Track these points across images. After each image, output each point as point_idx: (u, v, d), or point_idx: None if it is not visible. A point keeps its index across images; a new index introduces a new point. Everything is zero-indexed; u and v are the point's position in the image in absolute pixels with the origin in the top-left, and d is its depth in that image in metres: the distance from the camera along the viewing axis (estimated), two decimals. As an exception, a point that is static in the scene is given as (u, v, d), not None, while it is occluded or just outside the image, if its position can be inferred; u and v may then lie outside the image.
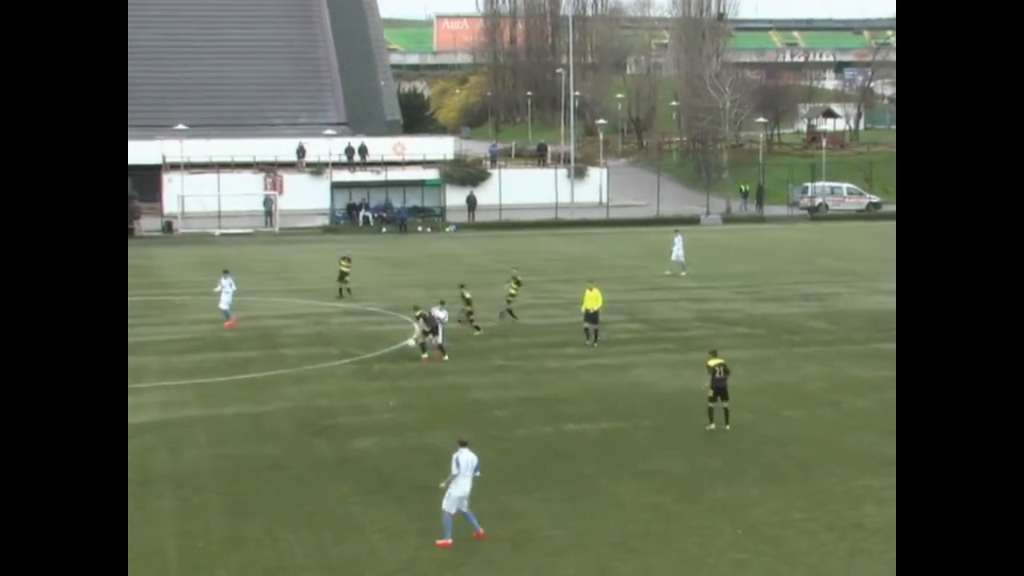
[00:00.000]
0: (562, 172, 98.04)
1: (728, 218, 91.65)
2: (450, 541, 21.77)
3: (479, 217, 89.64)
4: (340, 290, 52.49)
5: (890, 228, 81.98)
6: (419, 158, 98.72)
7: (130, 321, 34.43)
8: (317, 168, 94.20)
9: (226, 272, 46.18)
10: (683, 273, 58.36)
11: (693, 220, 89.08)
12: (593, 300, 41.35)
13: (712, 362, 30.33)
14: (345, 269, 53.09)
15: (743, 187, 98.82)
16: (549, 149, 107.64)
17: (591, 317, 41.22)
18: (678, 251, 59.46)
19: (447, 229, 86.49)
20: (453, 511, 22.02)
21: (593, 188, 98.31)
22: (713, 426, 29.87)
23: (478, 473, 22.43)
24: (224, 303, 45.46)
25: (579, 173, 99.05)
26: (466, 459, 22.29)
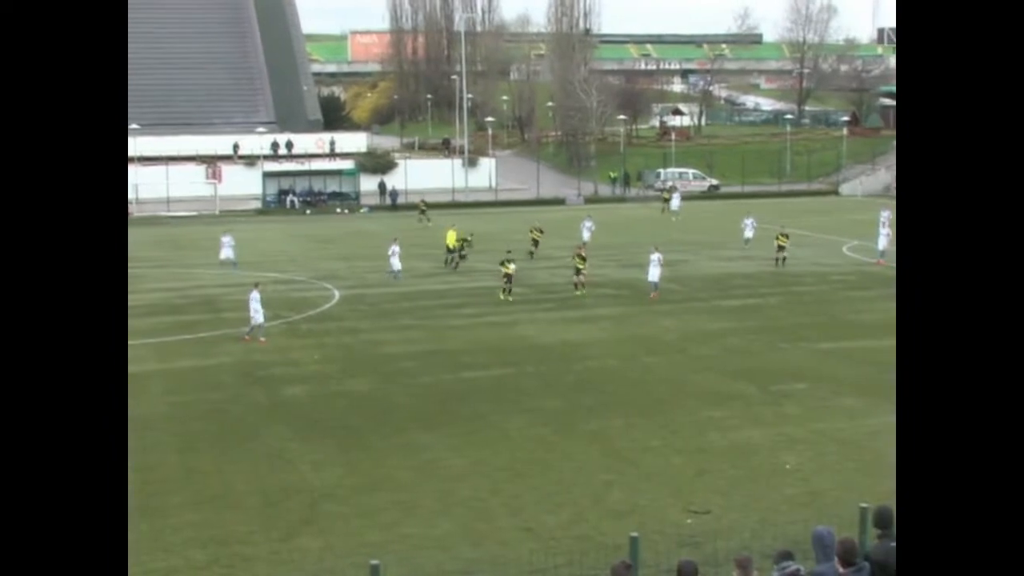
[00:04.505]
0: (458, 162, 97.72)
1: (590, 199, 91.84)
2: None
3: (390, 200, 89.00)
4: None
5: (727, 205, 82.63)
6: (338, 151, 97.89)
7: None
8: (251, 160, 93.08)
9: (395, 239, 49.43)
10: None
11: (559, 201, 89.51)
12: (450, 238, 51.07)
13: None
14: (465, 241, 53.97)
15: (612, 174, 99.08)
16: (452, 143, 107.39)
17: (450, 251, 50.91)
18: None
19: (361, 210, 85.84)
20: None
21: (484, 175, 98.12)
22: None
23: None
24: (226, 254, 50.68)
25: (472, 163, 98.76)
26: None
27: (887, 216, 56.42)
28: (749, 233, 58.02)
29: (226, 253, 52.19)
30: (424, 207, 74.65)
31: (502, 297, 42.35)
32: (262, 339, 35.07)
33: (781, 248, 50.80)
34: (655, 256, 42.95)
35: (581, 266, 44.89)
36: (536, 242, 55.28)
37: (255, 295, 35.47)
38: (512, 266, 42.95)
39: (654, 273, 42.72)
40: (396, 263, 47.80)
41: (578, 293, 44.00)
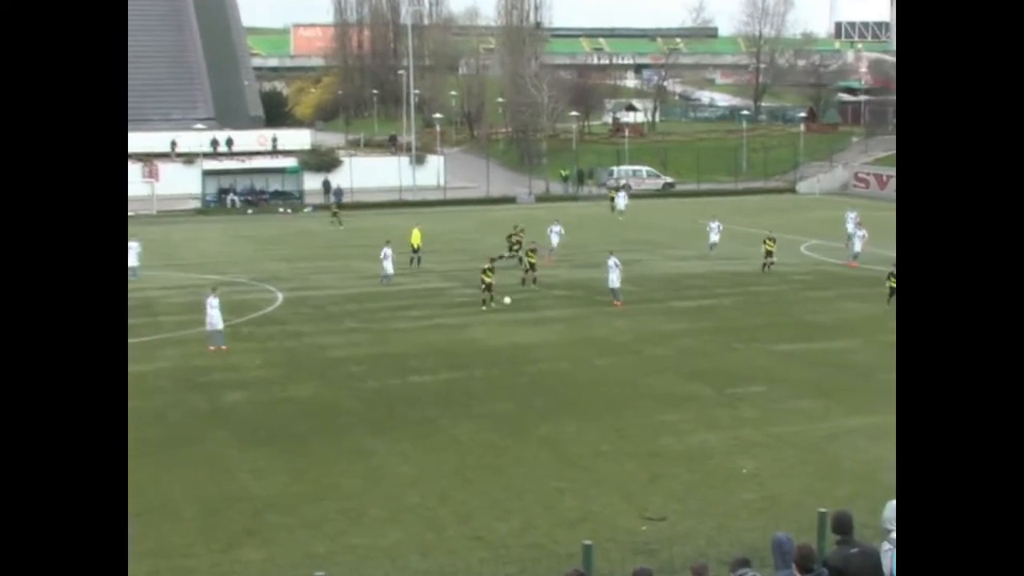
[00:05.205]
0: (405, 159, 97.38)
1: (541, 197, 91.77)
2: None
3: (334, 199, 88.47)
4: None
5: (682, 204, 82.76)
6: (280, 148, 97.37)
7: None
8: (189, 158, 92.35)
9: (388, 242, 48.25)
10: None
11: (510, 199, 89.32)
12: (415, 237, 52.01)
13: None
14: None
15: (563, 172, 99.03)
16: (399, 139, 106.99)
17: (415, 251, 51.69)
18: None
19: (305, 210, 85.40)
20: None
21: (432, 172, 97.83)
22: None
23: None
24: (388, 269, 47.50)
25: (420, 160, 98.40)
26: None
27: (855, 216, 56.80)
28: (715, 237, 56.75)
29: (130, 261, 47.82)
30: (336, 209, 75.51)
31: (484, 308, 41.61)
32: (211, 348, 34.57)
33: (769, 253, 50.18)
34: (611, 261, 42.67)
35: (533, 260, 45.58)
36: (519, 243, 54.07)
37: (213, 300, 34.87)
38: (493, 275, 42.46)
39: (614, 279, 42.38)
40: (389, 267, 47.20)
41: (534, 287, 44.41)
